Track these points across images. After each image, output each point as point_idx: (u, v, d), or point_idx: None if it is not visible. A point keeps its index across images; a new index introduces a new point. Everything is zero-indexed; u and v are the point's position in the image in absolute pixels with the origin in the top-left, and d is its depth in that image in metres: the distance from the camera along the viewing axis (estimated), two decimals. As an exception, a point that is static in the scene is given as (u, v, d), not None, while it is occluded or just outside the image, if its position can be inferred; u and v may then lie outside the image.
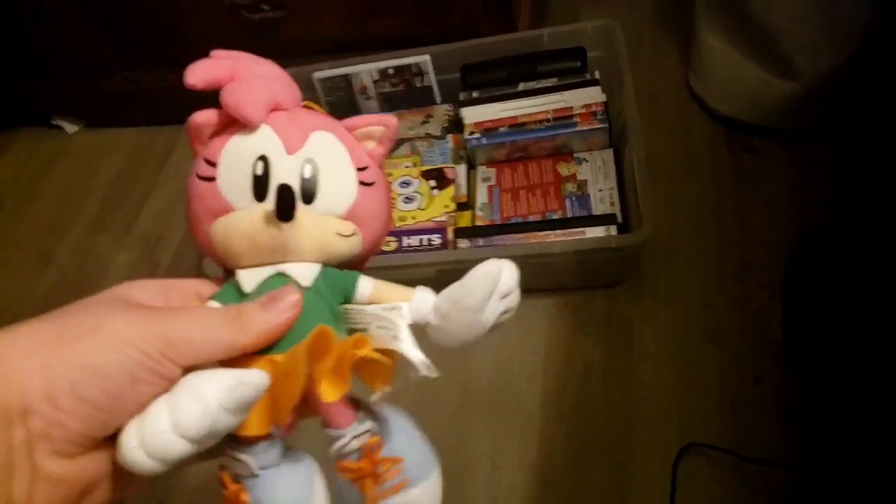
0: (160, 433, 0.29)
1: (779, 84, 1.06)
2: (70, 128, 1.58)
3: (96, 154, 1.53)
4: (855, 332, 0.72)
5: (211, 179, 0.36)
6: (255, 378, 0.32)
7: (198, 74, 0.37)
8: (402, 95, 1.22)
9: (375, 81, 1.20)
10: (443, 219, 1.08)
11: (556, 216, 1.06)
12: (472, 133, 1.12)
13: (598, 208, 1.05)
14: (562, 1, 1.44)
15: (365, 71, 1.19)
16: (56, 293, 1.29)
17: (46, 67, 1.44)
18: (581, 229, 1.00)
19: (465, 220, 1.10)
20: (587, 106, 1.09)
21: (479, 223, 1.09)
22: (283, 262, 0.36)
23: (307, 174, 0.36)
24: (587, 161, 1.11)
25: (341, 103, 1.22)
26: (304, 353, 0.33)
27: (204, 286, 0.38)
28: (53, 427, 0.29)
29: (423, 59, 1.17)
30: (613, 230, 0.99)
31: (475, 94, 1.16)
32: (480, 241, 1.04)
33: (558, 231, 1.01)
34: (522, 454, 0.92)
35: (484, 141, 1.12)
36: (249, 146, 0.36)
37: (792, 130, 1.11)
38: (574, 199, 1.08)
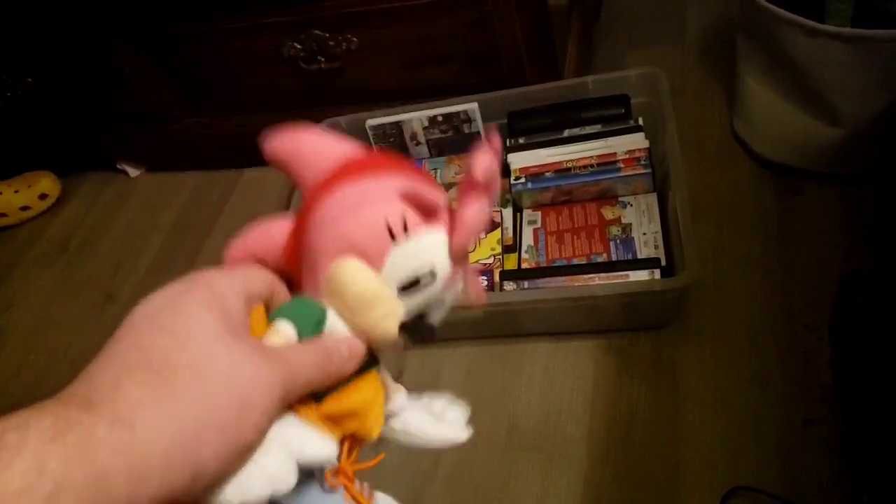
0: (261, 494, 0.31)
1: (823, 129, 1.07)
2: (133, 171, 1.67)
3: (158, 197, 1.60)
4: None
5: (392, 237, 0.35)
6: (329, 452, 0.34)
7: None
8: (451, 141, 1.26)
9: (425, 128, 1.24)
10: (489, 261, 1.11)
11: (600, 259, 1.08)
12: (517, 178, 1.16)
13: (643, 251, 1.07)
14: (607, 47, 1.48)
15: (415, 118, 1.23)
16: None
17: (112, 114, 1.52)
18: (625, 272, 1.02)
19: (511, 262, 1.13)
20: (630, 151, 1.11)
21: (524, 265, 1.11)
22: None
23: (430, 311, 0.37)
24: (632, 205, 1.13)
25: (392, 149, 1.27)
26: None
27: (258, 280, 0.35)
28: None
29: (472, 106, 1.21)
30: (657, 273, 1.01)
31: (521, 140, 1.19)
32: (526, 284, 1.06)
33: (602, 274, 1.03)
34: (569, 496, 0.93)
35: (529, 185, 1.15)
36: (436, 247, 0.36)
37: (837, 174, 1.11)
38: (619, 242, 1.09)
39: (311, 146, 0.38)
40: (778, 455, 0.89)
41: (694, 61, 1.40)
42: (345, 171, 0.36)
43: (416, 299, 0.36)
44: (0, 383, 1.33)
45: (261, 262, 0.37)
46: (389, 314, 0.35)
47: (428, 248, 0.35)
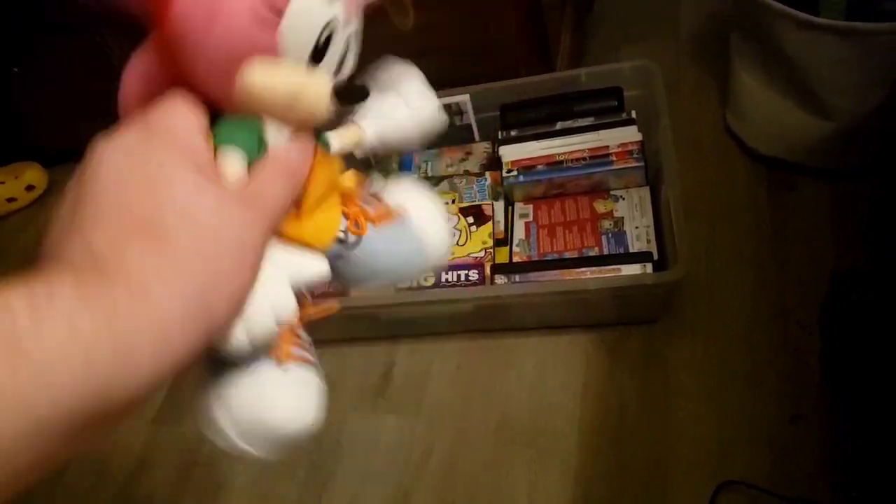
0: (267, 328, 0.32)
1: (817, 124, 1.06)
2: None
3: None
4: (894, 371, 0.72)
5: (273, 24, 0.31)
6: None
7: None
8: (443, 133, 1.25)
9: (416, 120, 1.23)
10: (480, 255, 1.10)
11: (592, 253, 1.08)
12: (510, 170, 1.15)
13: (635, 245, 1.06)
14: (600, 41, 1.47)
15: (406, 110, 1.22)
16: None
17: (100, 105, 1.51)
18: (617, 266, 1.01)
19: (502, 255, 1.12)
20: (623, 145, 1.11)
21: (516, 259, 1.10)
22: None
23: (347, 52, 0.35)
24: (624, 198, 1.12)
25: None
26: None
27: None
28: None
29: (463, 98, 1.20)
30: (649, 268, 1.00)
31: (513, 133, 1.19)
32: (517, 278, 1.05)
33: (594, 268, 1.02)
34: (559, 491, 0.92)
35: (521, 178, 1.14)
36: (321, 4, 0.32)
37: (831, 169, 1.11)
38: (611, 235, 1.09)
39: None
40: (769, 450, 0.89)
41: (688, 55, 1.39)
42: None
43: (330, 62, 0.34)
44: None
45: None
46: (317, 92, 0.32)
47: (313, 8, 0.32)
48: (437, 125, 0.43)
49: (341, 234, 0.38)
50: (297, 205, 0.34)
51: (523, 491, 0.94)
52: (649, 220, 1.08)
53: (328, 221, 0.37)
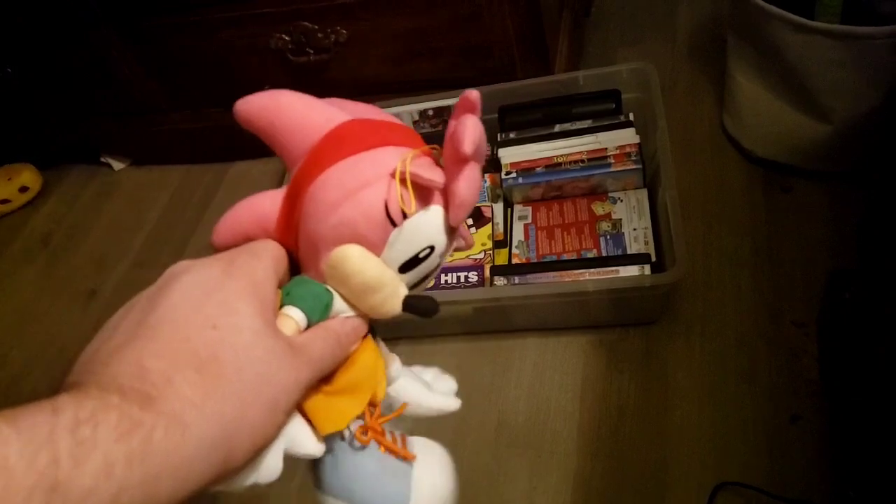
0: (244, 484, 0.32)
1: (813, 126, 1.07)
2: (117, 165, 1.64)
3: (143, 191, 1.58)
4: (891, 370, 0.73)
5: (392, 223, 0.34)
6: None
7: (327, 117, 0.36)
8: (442, 135, 1.25)
9: (415, 122, 1.23)
10: (479, 256, 1.10)
11: (590, 254, 1.08)
12: (508, 172, 1.15)
13: (633, 247, 1.07)
14: (598, 43, 1.47)
15: (405, 112, 1.22)
16: (102, 325, 1.33)
17: (96, 107, 1.50)
18: (615, 268, 1.01)
19: (501, 257, 1.12)
20: (621, 147, 1.11)
21: (515, 261, 1.11)
22: None
23: (432, 273, 0.38)
24: (622, 200, 1.13)
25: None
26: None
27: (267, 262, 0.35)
28: None
29: (461, 100, 1.20)
30: (647, 269, 1.01)
31: (512, 135, 1.19)
32: (516, 279, 1.06)
33: (592, 270, 1.03)
34: (558, 492, 0.93)
35: (520, 180, 1.14)
36: (432, 225, 0.35)
37: (827, 171, 1.12)
38: (609, 237, 1.09)
39: (292, 112, 0.36)
40: (766, 450, 0.89)
41: (684, 58, 1.40)
42: (335, 145, 0.35)
43: (416, 274, 0.36)
44: (-20, 378, 1.31)
45: (250, 240, 0.36)
46: (392, 295, 0.36)
47: (426, 227, 0.35)
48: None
49: (346, 432, 0.37)
50: (326, 380, 0.35)
51: (522, 492, 0.94)
52: (647, 221, 1.09)
53: (343, 412, 0.36)
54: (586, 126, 1.16)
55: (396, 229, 0.34)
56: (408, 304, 0.36)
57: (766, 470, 0.88)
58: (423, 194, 0.34)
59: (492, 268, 1.09)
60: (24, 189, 1.60)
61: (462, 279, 1.08)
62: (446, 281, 1.08)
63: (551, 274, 1.05)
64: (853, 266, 0.99)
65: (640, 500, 0.90)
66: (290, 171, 0.36)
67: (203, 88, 1.42)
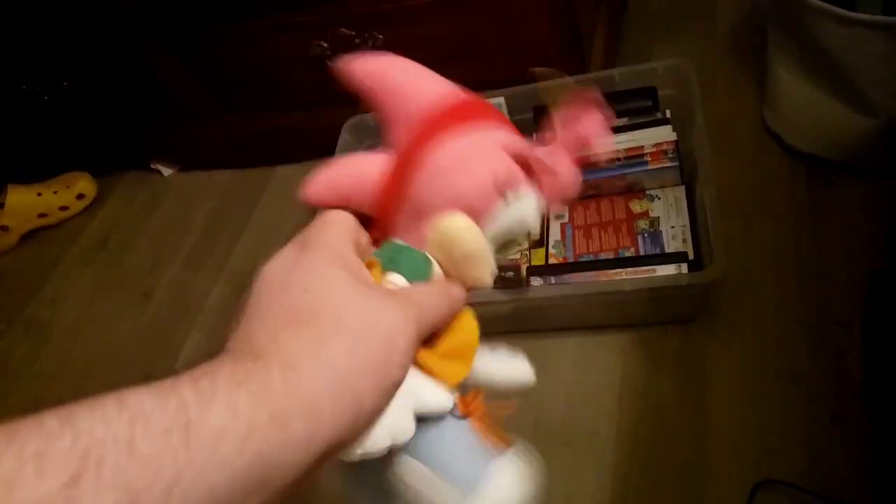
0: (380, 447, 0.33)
1: (856, 120, 1.05)
2: (166, 171, 1.70)
3: (191, 195, 1.63)
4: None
5: (500, 194, 0.35)
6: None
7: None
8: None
9: (451, 124, 1.25)
10: (516, 257, 1.11)
11: (628, 253, 1.08)
12: (545, 172, 1.15)
13: (671, 245, 1.06)
14: (635, 40, 1.46)
15: (442, 114, 1.23)
16: (155, 326, 1.38)
17: (145, 115, 1.56)
18: (652, 267, 1.01)
19: (538, 257, 1.13)
20: (658, 145, 1.11)
21: (552, 261, 1.11)
22: None
23: (520, 253, 0.39)
24: (659, 198, 1.12)
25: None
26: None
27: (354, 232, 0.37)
28: None
29: (498, 101, 1.21)
30: (684, 268, 1.00)
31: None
32: (553, 279, 1.07)
33: (629, 269, 1.03)
34: (596, 491, 0.93)
35: (556, 180, 1.14)
36: (531, 207, 0.36)
37: (871, 167, 1.09)
38: (646, 235, 1.09)
39: (403, 77, 0.36)
40: (807, 450, 0.89)
41: (724, 52, 1.38)
42: (449, 118, 0.35)
43: (506, 253, 0.37)
44: (46, 377, 1.37)
45: (345, 200, 0.37)
46: (489, 269, 0.36)
47: (527, 210, 0.36)
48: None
49: (454, 395, 0.36)
50: (438, 336, 0.35)
51: (561, 490, 0.95)
52: (685, 219, 1.08)
53: (461, 369, 0.36)
54: (623, 124, 1.15)
55: (503, 205, 0.35)
56: (500, 278, 0.37)
57: (807, 469, 0.87)
58: (528, 173, 0.35)
59: (528, 268, 1.09)
60: (80, 196, 1.67)
61: (498, 279, 1.09)
62: (484, 281, 1.09)
63: (587, 274, 1.05)
64: (897, 263, 0.97)
65: (678, 497, 0.90)
66: (391, 132, 0.37)
67: (247, 95, 1.46)
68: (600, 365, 1.05)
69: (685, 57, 1.14)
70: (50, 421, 0.22)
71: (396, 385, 0.32)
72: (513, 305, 1.04)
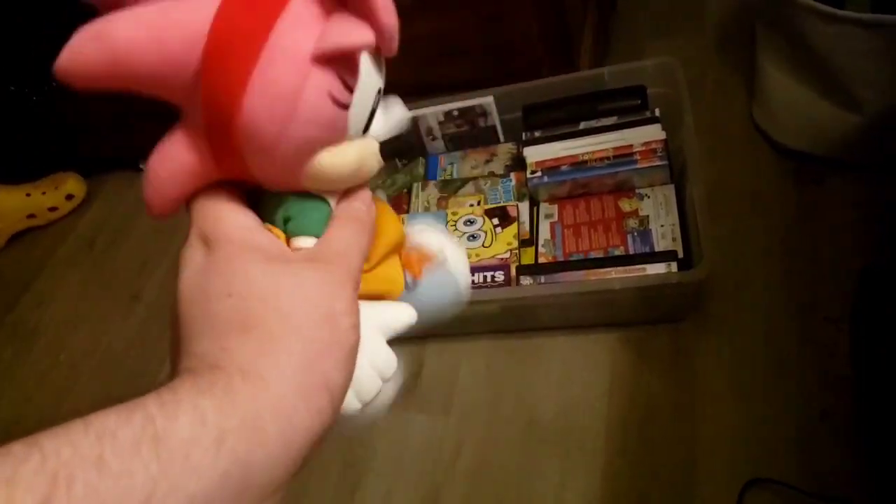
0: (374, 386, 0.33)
1: (844, 117, 1.05)
2: (156, 171, 1.68)
3: (181, 196, 1.62)
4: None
5: (345, 107, 0.32)
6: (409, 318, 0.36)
7: None
8: (467, 136, 1.26)
9: (441, 123, 1.24)
10: (506, 255, 1.11)
11: (618, 252, 1.08)
12: (534, 171, 1.15)
13: (661, 244, 1.06)
14: (624, 38, 1.46)
15: (431, 113, 1.23)
16: (144, 329, 1.37)
17: (134, 116, 1.54)
18: (642, 266, 1.01)
19: (527, 256, 1.12)
20: (647, 143, 1.10)
21: (542, 260, 1.11)
22: None
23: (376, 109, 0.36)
24: (649, 197, 1.12)
25: (407, 144, 1.27)
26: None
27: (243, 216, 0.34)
28: None
29: (487, 100, 1.21)
30: (674, 266, 1.00)
31: (537, 134, 1.19)
32: (542, 279, 1.06)
33: (619, 268, 1.02)
34: (587, 489, 0.93)
35: (546, 179, 1.14)
36: (373, 73, 0.33)
37: (859, 163, 1.09)
38: (636, 234, 1.09)
39: (137, 48, 0.29)
40: (797, 447, 0.89)
41: (713, 50, 1.38)
42: (224, 56, 0.29)
43: (375, 118, 0.35)
44: (34, 379, 1.36)
45: (189, 192, 0.34)
46: (373, 157, 0.34)
47: (369, 80, 0.32)
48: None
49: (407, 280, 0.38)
50: (366, 259, 0.35)
51: (552, 489, 0.95)
52: (674, 217, 1.08)
53: (396, 270, 0.37)
54: (612, 123, 1.15)
55: (350, 108, 0.32)
56: (384, 149, 0.35)
57: (796, 466, 0.87)
58: (350, 58, 0.31)
59: (518, 267, 1.09)
60: (69, 197, 1.66)
61: (489, 279, 1.08)
62: (473, 280, 1.09)
63: (577, 273, 1.05)
64: (886, 260, 0.97)
65: (669, 496, 0.90)
66: (184, 104, 0.32)
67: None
68: (590, 364, 1.04)
69: (674, 55, 1.14)
70: (16, 447, 0.22)
71: (356, 346, 0.31)
72: (502, 305, 1.04)
